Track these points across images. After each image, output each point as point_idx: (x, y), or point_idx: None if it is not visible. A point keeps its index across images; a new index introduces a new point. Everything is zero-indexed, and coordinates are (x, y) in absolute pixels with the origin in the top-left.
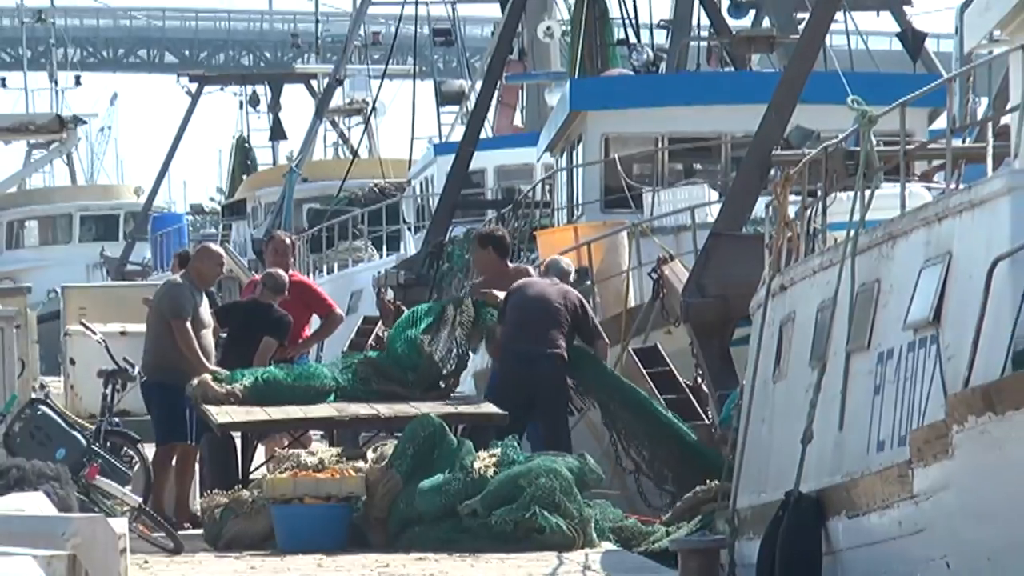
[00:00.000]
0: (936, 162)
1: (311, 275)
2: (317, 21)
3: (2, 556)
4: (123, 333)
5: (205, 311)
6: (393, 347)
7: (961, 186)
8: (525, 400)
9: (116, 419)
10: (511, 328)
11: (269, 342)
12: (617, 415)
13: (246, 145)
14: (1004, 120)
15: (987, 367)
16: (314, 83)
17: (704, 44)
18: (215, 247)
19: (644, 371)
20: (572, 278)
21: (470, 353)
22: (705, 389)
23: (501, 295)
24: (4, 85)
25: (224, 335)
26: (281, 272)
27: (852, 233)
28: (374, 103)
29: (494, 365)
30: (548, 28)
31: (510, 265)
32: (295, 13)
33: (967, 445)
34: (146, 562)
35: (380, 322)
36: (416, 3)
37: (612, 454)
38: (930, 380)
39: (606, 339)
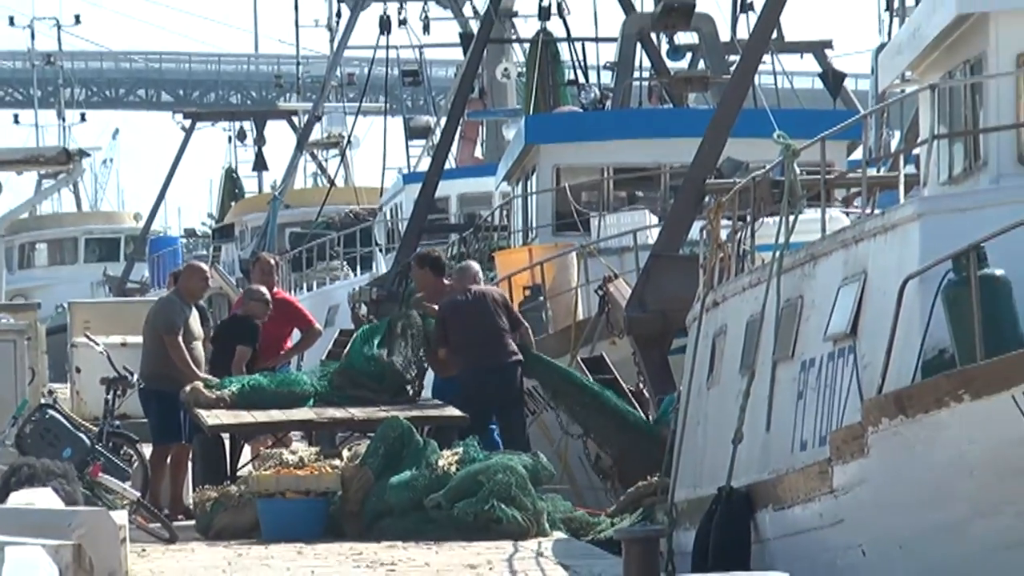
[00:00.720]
0: (855, 189)
1: (293, 292)
2: (298, 64)
3: (15, 545)
4: (124, 344)
5: (195, 323)
6: (351, 360)
7: (876, 212)
8: (490, 406)
9: (117, 422)
10: (467, 346)
11: (243, 350)
12: (566, 397)
13: (234, 175)
14: (915, 152)
15: (899, 375)
16: (295, 119)
17: (646, 84)
18: (199, 264)
19: (591, 378)
20: (479, 274)
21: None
22: (646, 394)
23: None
24: (17, 121)
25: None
26: (262, 287)
27: (778, 254)
28: (349, 137)
29: (460, 375)
30: (505, 70)
31: (446, 282)
32: (278, 56)
33: (881, 445)
34: (144, 551)
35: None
36: (387, 47)
37: (564, 453)
38: (848, 386)
39: (526, 324)
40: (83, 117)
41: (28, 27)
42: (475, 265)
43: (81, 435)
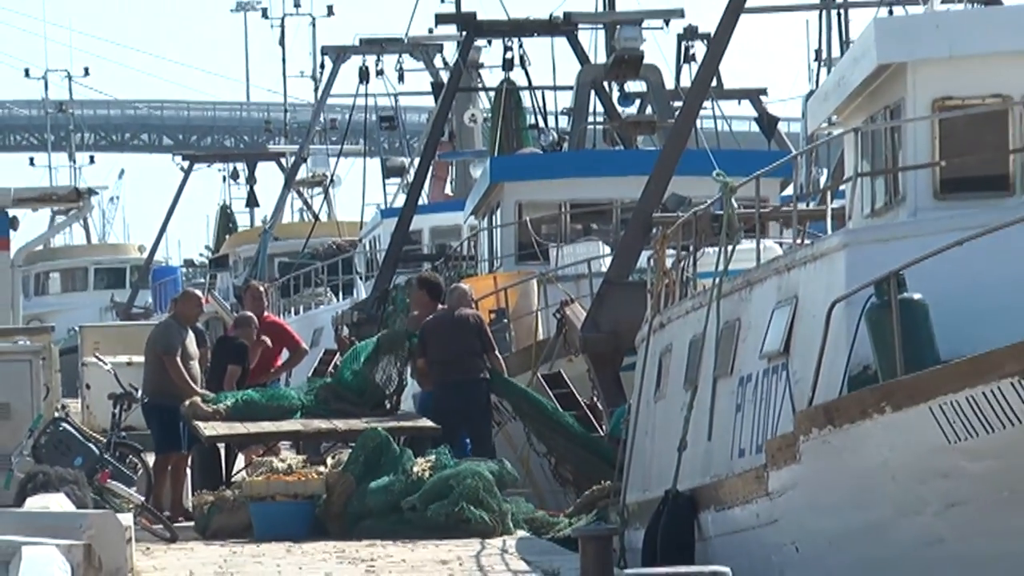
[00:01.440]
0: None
1: (282, 316)
2: (285, 111)
3: (31, 545)
4: (129, 363)
5: (191, 344)
6: (341, 376)
7: (806, 242)
8: (461, 419)
9: (123, 433)
10: (441, 361)
11: (233, 369)
12: (528, 418)
13: (228, 211)
14: (842, 188)
15: (827, 389)
16: (283, 160)
17: (599, 127)
18: (194, 292)
19: (550, 392)
20: (471, 300)
21: (407, 379)
22: (600, 406)
23: None
24: (32, 163)
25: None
26: (250, 314)
27: (717, 281)
28: (332, 176)
29: (433, 390)
30: (472, 115)
31: (440, 306)
32: (268, 104)
33: (812, 452)
34: (148, 549)
35: (338, 354)
36: (366, 95)
37: (527, 460)
38: (781, 400)
39: (497, 351)
40: (92, 159)
41: (42, 78)
42: (467, 288)
43: (91, 445)
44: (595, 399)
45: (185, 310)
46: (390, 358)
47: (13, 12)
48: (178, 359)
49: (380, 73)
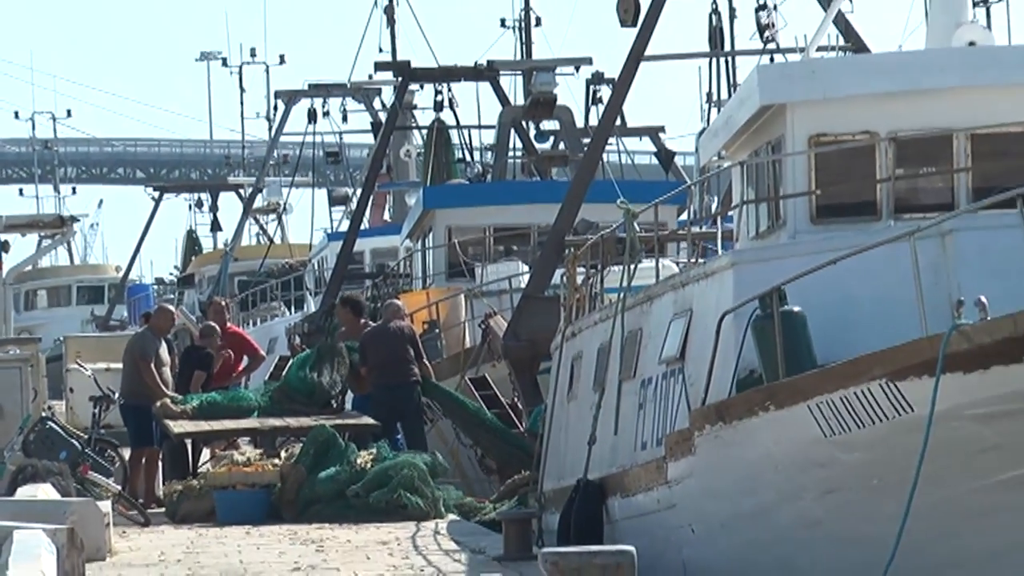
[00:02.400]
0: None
1: (242, 327)
2: (243, 147)
3: (22, 529)
4: (107, 369)
5: (164, 353)
6: (289, 381)
7: (700, 261)
8: (397, 416)
9: (102, 430)
10: (378, 366)
11: (199, 374)
12: (454, 416)
13: (194, 235)
14: (730, 213)
15: (718, 390)
16: (242, 191)
17: (518, 161)
18: (168, 307)
19: (476, 393)
20: (405, 314)
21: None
22: (520, 405)
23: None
24: (21, 194)
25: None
26: (214, 324)
27: (621, 295)
28: (284, 204)
29: (372, 392)
30: (407, 151)
31: (362, 321)
32: (228, 142)
33: (705, 445)
34: (124, 532)
35: (291, 360)
36: (314, 133)
37: (456, 452)
38: (678, 399)
39: (426, 358)
40: (74, 191)
41: (30, 119)
42: (400, 304)
43: (74, 441)
44: (516, 399)
45: (159, 323)
46: (332, 364)
47: (4, 61)
48: (152, 365)
49: (326, 114)
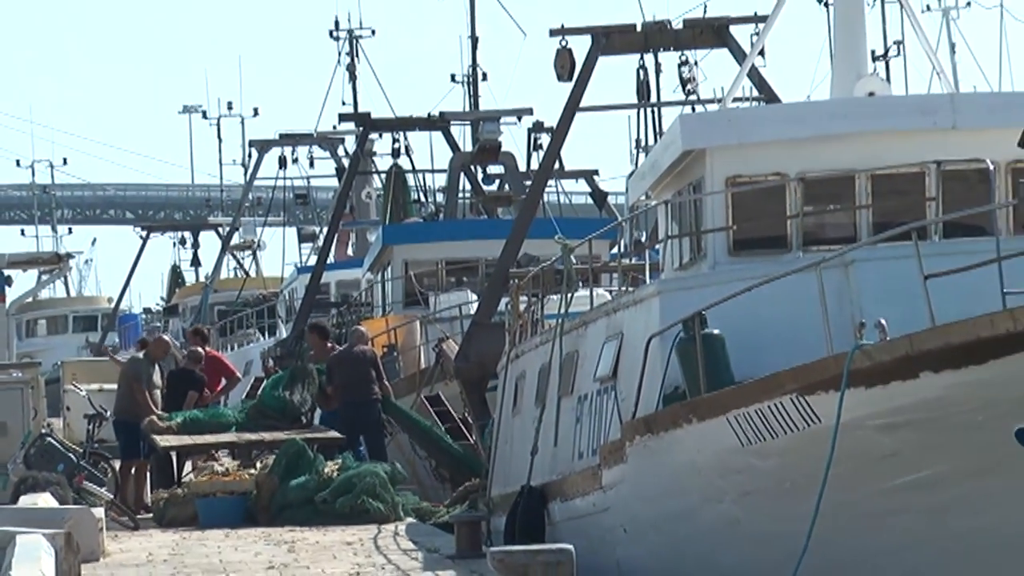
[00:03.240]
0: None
1: (221, 351)
2: (222, 190)
3: (23, 534)
4: (100, 390)
5: (156, 376)
6: (263, 399)
7: (630, 289)
8: (360, 431)
9: (96, 445)
10: (344, 385)
11: (192, 394)
12: (415, 435)
13: (177, 269)
14: (656, 247)
15: (646, 405)
16: (220, 230)
17: (468, 201)
18: (166, 338)
19: (431, 410)
20: (367, 339)
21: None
22: (470, 420)
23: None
24: (23, 234)
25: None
26: (197, 348)
27: (560, 321)
28: (258, 241)
29: (338, 409)
30: (368, 193)
31: (328, 344)
32: (208, 186)
33: (635, 454)
34: (116, 536)
35: (265, 380)
36: (284, 178)
37: (413, 463)
38: (611, 414)
39: (387, 383)
40: (70, 230)
41: (30, 167)
42: (364, 330)
43: (70, 455)
44: (466, 414)
45: (156, 350)
46: (302, 384)
47: (6, 115)
48: (144, 387)
49: (295, 161)
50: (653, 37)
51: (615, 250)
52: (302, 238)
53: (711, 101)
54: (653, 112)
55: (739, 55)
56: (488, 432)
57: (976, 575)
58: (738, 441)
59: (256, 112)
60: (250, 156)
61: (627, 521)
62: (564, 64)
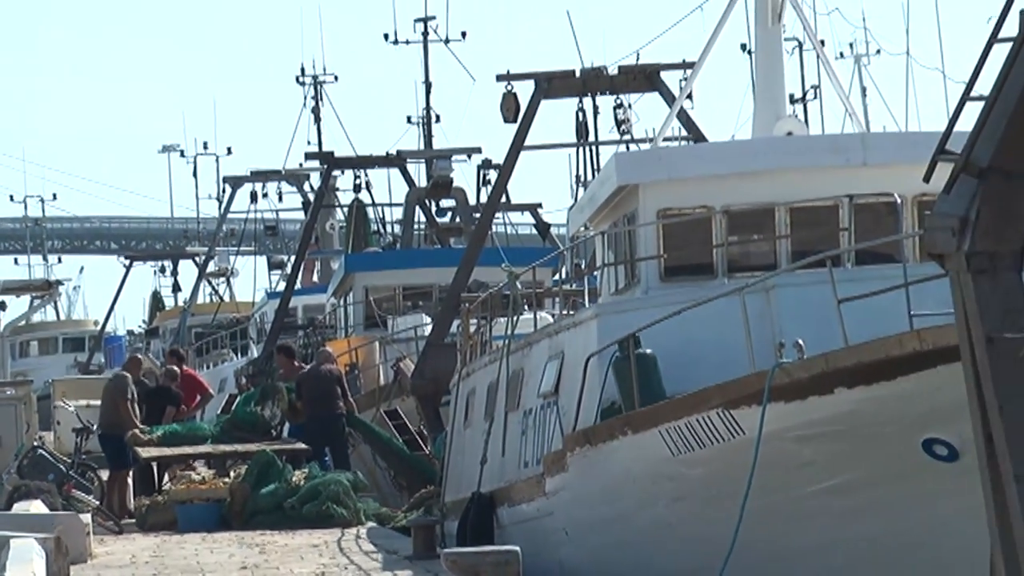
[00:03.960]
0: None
1: (197, 369)
2: (198, 222)
3: (17, 538)
4: (87, 406)
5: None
6: (236, 414)
7: (570, 313)
8: (325, 442)
9: (83, 456)
10: (312, 400)
11: (170, 409)
12: (375, 446)
13: (158, 295)
14: (595, 274)
15: (585, 418)
16: (197, 259)
17: (422, 232)
18: (139, 357)
19: (389, 423)
20: (331, 359)
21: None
22: (425, 432)
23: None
24: (16, 263)
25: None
26: (175, 367)
27: (507, 342)
28: (232, 269)
29: (306, 423)
30: (331, 224)
31: (295, 363)
32: (186, 218)
33: (576, 464)
34: (102, 540)
35: (238, 396)
36: (255, 211)
37: (374, 472)
38: (553, 426)
39: (351, 398)
40: (59, 260)
41: (22, 201)
42: (330, 351)
43: (60, 465)
44: (422, 427)
45: (132, 369)
46: (272, 400)
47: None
48: (128, 402)
49: (265, 195)
50: (591, 82)
51: (557, 277)
52: (271, 266)
53: (643, 140)
54: (591, 150)
55: (669, 98)
56: (441, 443)
57: (883, 573)
58: (669, 451)
59: (229, 151)
60: (224, 191)
61: (568, 524)
62: (510, 107)
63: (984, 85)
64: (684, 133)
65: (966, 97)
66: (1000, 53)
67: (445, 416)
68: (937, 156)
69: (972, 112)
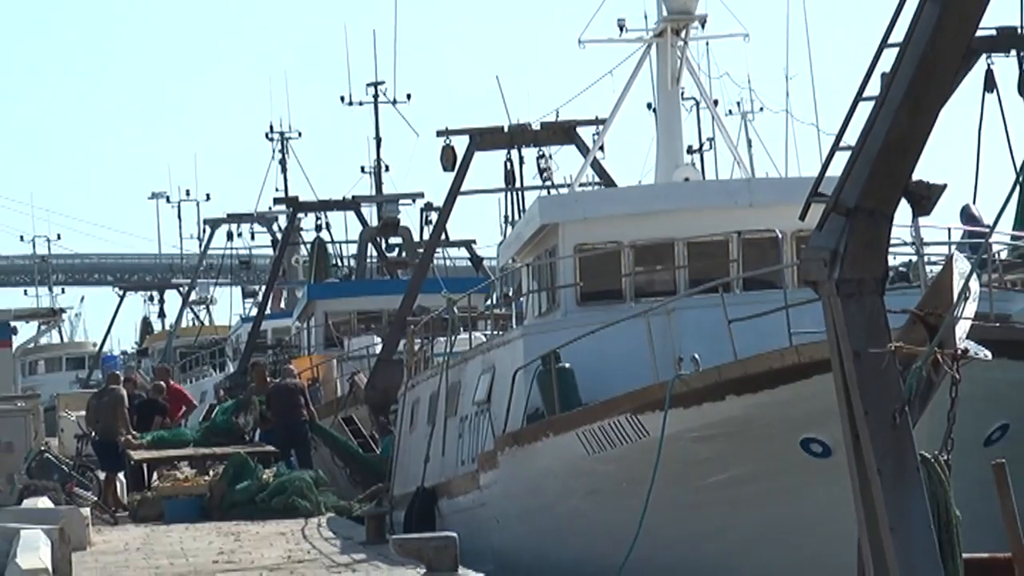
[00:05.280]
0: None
1: (181, 384)
2: (182, 258)
3: (26, 529)
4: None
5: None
6: (215, 422)
7: (500, 333)
8: (291, 446)
9: (83, 458)
10: (280, 410)
11: (158, 419)
12: (334, 448)
13: (147, 320)
14: (521, 299)
15: (513, 423)
16: (181, 289)
17: (374, 265)
18: (132, 374)
19: (346, 428)
20: (296, 374)
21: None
22: (376, 436)
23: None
24: (25, 294)
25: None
26: (162, 382)
27: (446, 358)
28: (211, 298)
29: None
30: (296, 259)
31: (267, 379)
32: (172, 255)
33: (506, 462)
34: (99, 530)
35: (217, 407)
36: (231, 248)
37: (333, 470)
38: (486, 430)
39: (312, 408)
40: (63, 290)
41: (31, 241)
42: (294, 368)
43: (63, 467)
44: (374, 431)
45: (127, 385)
46: (246, 411)
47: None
48: (124, 411)
49: (239, 235)
50: (517, 136)
51: (489, 302)
52: (245, 295)
53: (562, 186)
54: (517, 195)
55: (584, 150)
56: (390, 445)
57: (769, 553)
58: (585, 451)
59: (208, 197)
60: (204, 231)
61: (499, 514)
62: (448, 158)
63: (851, 137)
64: (597, 179)
65: (835, 148)
66: (864, 110)
67: (393, 422)
68: (811, 198)
69: (841, 160)
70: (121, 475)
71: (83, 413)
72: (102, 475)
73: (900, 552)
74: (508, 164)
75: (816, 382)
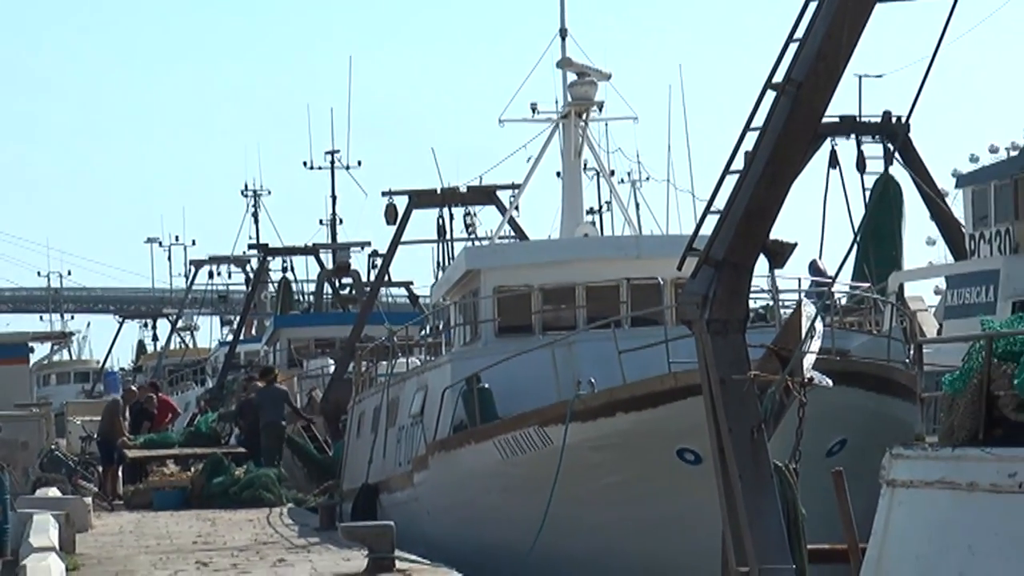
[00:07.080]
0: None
1: (169, 395)
2: (171, 292)
3: (38, 514)
4: (91, 421)
5: (125, 412)
6: (197, 427)
7: (433, 358)
8: (270, 441)
9: (87, 456)
10: (264, 412)
11: (146, 424)
12: (294, 450)
13: (142, 343)
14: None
15: (442, 432)
16: (170, 318)
17: (329, 300)
18: (131, 387)
19: (304, 434)
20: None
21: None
22: (330, 441)
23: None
24: (41, 319)
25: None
26: (152, 394)
27: (387, 378)
28: (195, 325)
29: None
30: (266, 294)
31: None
32: (163, 289)
33: (435, 463)
34: (99, 516)
35: (199, 415)
36: (213, 285)
37: (293, 468)
38: (420, 438)
39: (296, 407)
40: (72, 317)
41: (46, 276)
42: (278, 373)
43: (70, 463)
44: (327, 437)
45: (127, 396)
46: (224, 421)
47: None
48: (120, 418)
49: (219, 273)
50: (448, 197)
51: (423, 332)
52: (223, 323)
53: (485, 238)
54: (448, 245)
55: (502, 209)
56: (340, 449)
57: (651, 541)
58: (500, 456)
59: (194, 242)
60: (190, 270)
61: (430, 508)
62: (390, 214)
63: (720, 202)
64: (513, 234)
65: (707, 211)
66: (730, 181)
67: (344, 430)
68: (687, 252)
69: (711, 222)
70: (118, 470)
71: (87, 418)
72: (101, 470)
73: (756, 542)
74: (440, 220)
75: (690, 403)
